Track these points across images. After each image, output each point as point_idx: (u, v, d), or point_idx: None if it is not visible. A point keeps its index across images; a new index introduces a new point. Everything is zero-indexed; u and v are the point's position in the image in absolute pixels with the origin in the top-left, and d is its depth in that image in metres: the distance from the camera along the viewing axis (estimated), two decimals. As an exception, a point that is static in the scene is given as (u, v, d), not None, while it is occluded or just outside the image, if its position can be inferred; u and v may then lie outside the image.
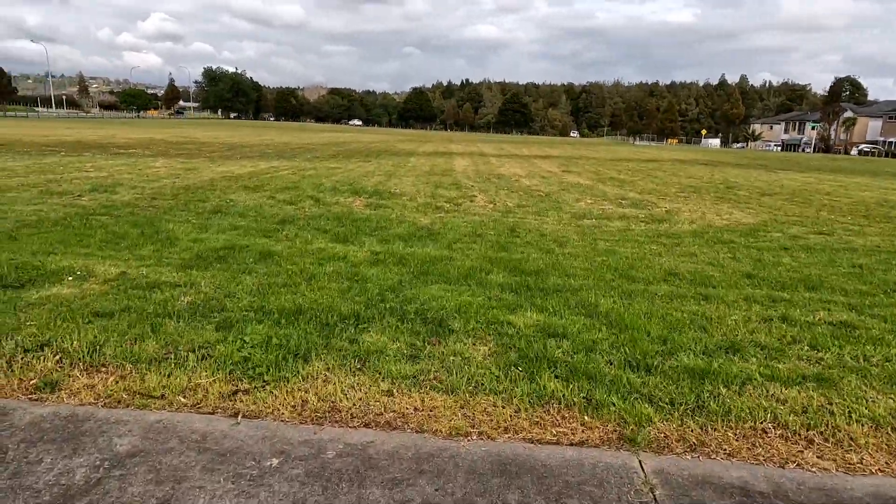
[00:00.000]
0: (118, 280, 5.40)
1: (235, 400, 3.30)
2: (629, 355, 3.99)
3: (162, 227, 7.88)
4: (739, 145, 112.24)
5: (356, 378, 3.57)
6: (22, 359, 3.65)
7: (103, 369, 3.58)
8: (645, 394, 3.47)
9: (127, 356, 3.72)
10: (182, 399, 3.28)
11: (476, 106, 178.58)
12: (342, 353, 3.91)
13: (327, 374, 3.62)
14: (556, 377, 3.65)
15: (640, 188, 16.38)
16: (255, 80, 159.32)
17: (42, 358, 3.67)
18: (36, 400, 3.23)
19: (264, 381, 3.50)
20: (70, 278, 5.40)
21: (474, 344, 4.15)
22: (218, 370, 3.59)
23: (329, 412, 3.21)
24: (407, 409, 3.26)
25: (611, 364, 3.87)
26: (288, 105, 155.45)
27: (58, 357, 3.68)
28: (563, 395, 3.41)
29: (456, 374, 3.65)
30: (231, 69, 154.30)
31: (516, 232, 8.64)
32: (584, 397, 3.41)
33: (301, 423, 3.10)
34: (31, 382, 3.39)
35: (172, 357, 3.73)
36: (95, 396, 3.27)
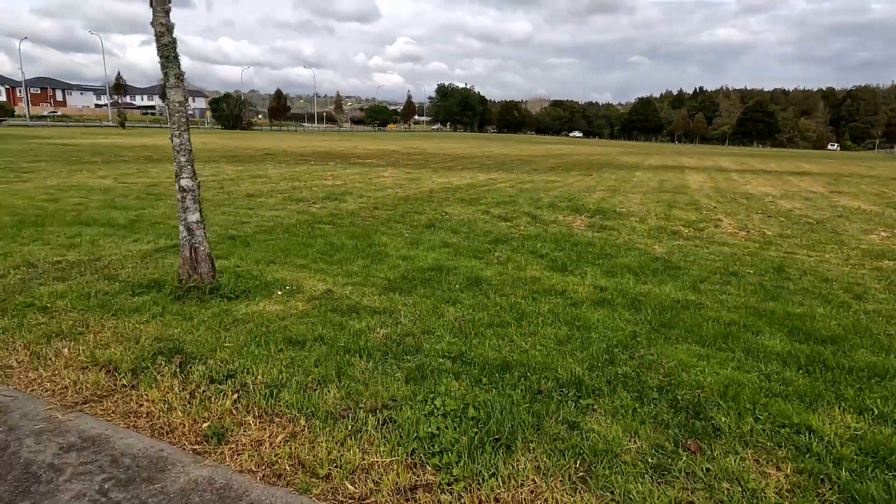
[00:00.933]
0: (322, 299, 5.08)
1: (412, 501, 2.46)
2: None
3: (376, 239, 7.70)
4: None
5: (578, 496, 2.48)
6: (204, 392, 3.31)
7: (276, 420, 3.04)
8: None
9: (304, 406, 3.15)
10: (349, 486, 2.53)
11: (710, 116, 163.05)
12: (558, 443, 2.85)
13: (536, 479, 2.59)
14: (928, 566, 2.12)
15: (955, 218, 12.35)
16: (481, 94, 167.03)
17: (222, 394, 3.28)
18: (200, 453, 2.77)
19: (452, 475, 2.60)
20: (279, 293, 5.24)
21: (757, 461, 2.75)
22: (398, 446, 2.80)
23: (536, 555, 2.17)
24: (657, 575, 2.07)
25: None
26: (510, 118, 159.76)
27: (236, 396, 3.26)
28: None
29: (735, 519, 2.34)
30: (461, 85, 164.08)
31: (786, 272, 6.66)
32: None
33: (495, 566, 2.12)
34: (203, 426, 2.97)
35: (350, 417, 3.06)
36: (258, 462, 2.70)
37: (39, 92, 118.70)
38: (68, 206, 9.95)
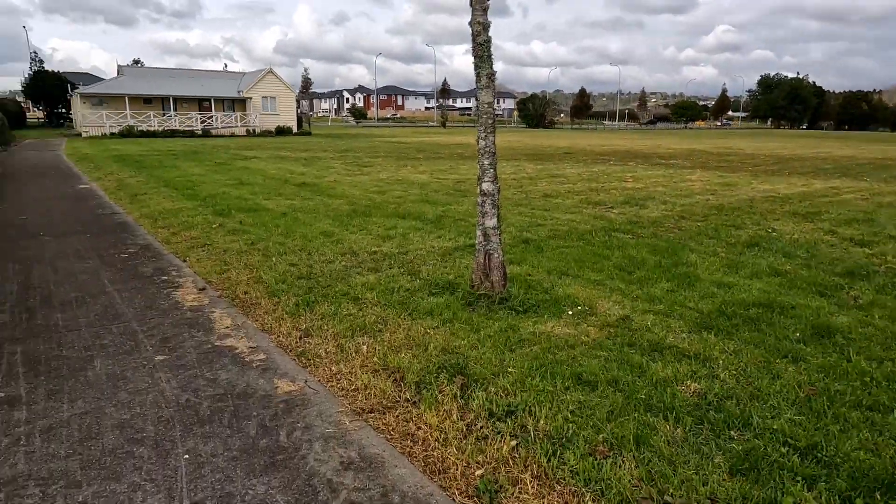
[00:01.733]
0: (618, 328, 4.39)
1: None
2: None
3: (683, 257, 6.61)
4: None
5: None
6: (481, 428, 2.96)
7: (557, 488, 2.50)
8: None
9: (591, 478, 2.54)
10: None
11: None
12: None
13: None
14: None
15: None
16: (816, 84, 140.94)
17: (500, 436, 2.88)
18: (468, 511, 2.39)
19: None
20: (570, 312, 4.73)
21: None
22: (722, 583, 1.98)
23: None
24: None
25: None
26: (856, 111, 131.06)
27: (515, 442, 2.82)
28: None
29: None
30: (789, 74, 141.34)
31: None
32: None
33: None
34: (476, 474, 2.60)
35: (652, 512, 2.33)
36: (531, 545, 2.19)
37: (386, 98, 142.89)
38: (391, 198, 11.19)
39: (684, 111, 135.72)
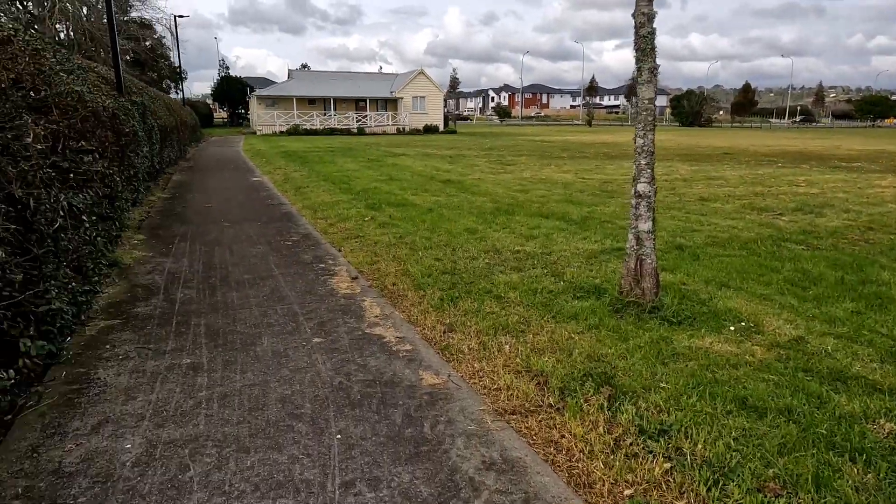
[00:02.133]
0: (790, 349, 3.91)
1: None
2: None
3: (871, 274, 5.74)
4: None
5: None
6: (630, 445, 2.78)
7: (718, 523, 2.26)
8: None
9: (760, 517, 2.27)
10: None
11: None
12: None
13: None
14: None
15: None
16: None
17: (651, 456, 2.68)
18: (616, 532, 2.25)
19: None
20: (732, 328, 4.30)
21: None
22: None
23: None
24: None
25: None
26: None
27: (669, 465, 2.61)
28: None
29: None
30: None
31: None
32: None
33: None
34: (625, 493, 2.44)
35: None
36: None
37: (530, 96, 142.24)
38: (534, 197, 11.06)
39: (871, 107, 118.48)
